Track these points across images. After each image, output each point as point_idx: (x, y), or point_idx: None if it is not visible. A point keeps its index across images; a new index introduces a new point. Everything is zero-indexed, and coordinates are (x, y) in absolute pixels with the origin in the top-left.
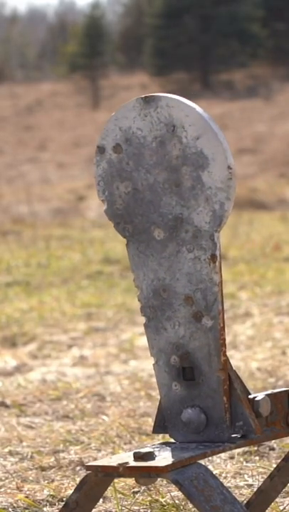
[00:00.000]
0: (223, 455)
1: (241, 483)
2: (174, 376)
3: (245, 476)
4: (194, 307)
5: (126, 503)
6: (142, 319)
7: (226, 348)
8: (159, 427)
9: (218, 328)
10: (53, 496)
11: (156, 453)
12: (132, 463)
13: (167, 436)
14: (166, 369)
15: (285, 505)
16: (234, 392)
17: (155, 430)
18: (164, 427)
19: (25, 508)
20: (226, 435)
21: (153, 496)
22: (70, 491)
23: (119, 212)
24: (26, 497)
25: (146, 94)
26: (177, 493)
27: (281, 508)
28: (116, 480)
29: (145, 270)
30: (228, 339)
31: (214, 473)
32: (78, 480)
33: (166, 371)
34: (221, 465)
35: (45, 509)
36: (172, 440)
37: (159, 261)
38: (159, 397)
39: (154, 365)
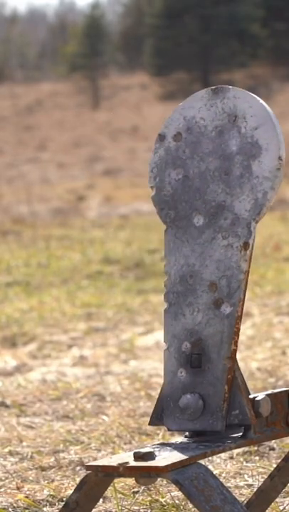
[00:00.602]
0: (223, 455)
1: (241, 483)
2: (182, 363)
3: (245, 476)
4: (217, 294)
5: (126, 503)
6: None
7: (238, 338)
8: (156, 419)
9: (236, 315)
10: (53, 496)
11: (156, 453)
12: (132, 463)
13: (167, 436)
14: (176, 355)
15: (285, 505)
16: (235, 381)
17: (152, 422)
18: (161, 418)
19: (25, 508)
20: (220, 424)
21: (153, 495)
22: (70, 491)
23: (166, 199)
24: (26, 497)
25: (216, 86)
26: (177, 493)
27: (281, 508)
28: (116, 480)
29: (177, 256)
30: None
31: (214, 473)
32: (78, 480)
33: (176, 357)
34: (221, 465)
35: (45, 509)
36: (171, 439)
37: (193, 247)
38: (159, 394)
39: (165, 351)
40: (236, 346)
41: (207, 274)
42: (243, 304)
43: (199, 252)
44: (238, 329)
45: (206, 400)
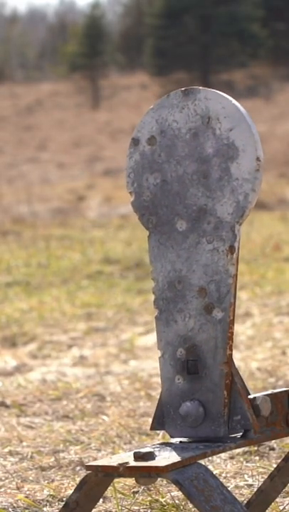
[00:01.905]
0: (223, 455)
1: (241, 483)
2: (178, 369)
3: (245, 476)
4: (207, 299)
5: (126, 503)
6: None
7: (232, 342)
8: (158, 424)
9: (228, 320)
10: (53, 496)
11: (157, 453)
12: (132, 463)
13: (167, 436)
14: (172, 362)
15: (285, 505)
16: (234, 387)
17: (153, 427)
18: (162, 423)
19: (25, 508)
20: (222, 430)
21: (153, 495)
22: (70, 491)
23: (146, 204)
24: (26, 497)
25: (186, 87)
26: (177, 493)
27: (281, 508)
28: (116, 480)
29: (163, 262)
30: None
31: (214, 473)
32: (78, 480)
33: (171, 364)
34: (221, 465)
35: (45, 509)
36: (171, 439)
37: (178, 252)
38: (158, 397)
39: (160, 358)
40: (231, 350)
41: (195, 280)
42: (234, 308)
43: (185, 257)
44: (232, 333)
45: (206, 406)
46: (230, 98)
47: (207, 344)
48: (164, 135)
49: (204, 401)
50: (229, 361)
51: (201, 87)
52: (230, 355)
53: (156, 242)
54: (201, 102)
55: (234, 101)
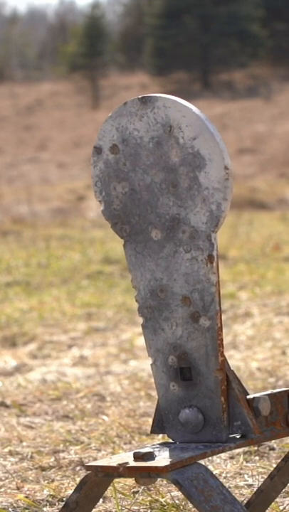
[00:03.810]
0: (223, 455)
1: (241, 483)
2: (171, 376)
3: (245, 476)
4: (192, 308)
5: (126, 503)
6: (140, 319)
7: (223, 348)
8: (157, 427)
9: (216, 328)
10: (53, 496)
11: (156, 453)
12: (132, 463)
13: (167, 435)
14: (164, 369)
15: (285, 505)
16: (232, 392)
17: (153, 430)
18: (162, 427)
19: (25, 508)
20: (224, 435)
21: (153, 495)
22: (70, 491)
23: (117, 213)
24: (26, 497)
25: (143, 95)
26: (177, 493)
27: (281, 508)
28: (116, 480)
29: (142, 271)
30: (228, 339)
31: (214, 473)
32: (78, 480)
33: (164, 371)
34: (221, 465)
35: (45, 509)
36: (171, 440)
37: (157, 261)
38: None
39: (151, 365)
40: (224, 356)
41: (177, 288)
42: (220, 315)
43: (164, 266)
44: (222, 340)
45: (204, 412)
46: (190, 106)
47: (198, 352)
48: (127, 144)
49: (202, 407)
50: (223, 367)
51: (158, 94)
52: (223, 361)
53: (133, 250)
54: (160, 110)
55: (194, 109)
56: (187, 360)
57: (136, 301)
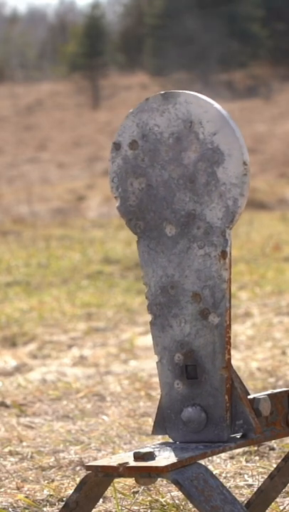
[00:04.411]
0: (223, 455)
1: (241, 483)
2: (177, 374)
3: (245, 476)
4: (202, 304)
5: (126, 503)
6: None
7: (230, 346)
8: (159, 428)
9: (225, 325)
10: (53, 496)
11: (156, 453)
12: (132, 463)
13: (167, 436)
14: (170, 367)
15: (285, 505)
16: (235, 391)
17: (155, 431)
18: (164, 427)
19: (25, 508)
20: (226, 434)
21: (153, 495)
22: (70, 491)
23: (132, 209)
24: (26, 497)
25: (165, 91)
26: (177, 493)
27: (281, 508)
28: (116, 480)
29: (154, 267)
30: None
31: (214, 473)
32: (78, 480)
33: (170, 369)
34: (221, 465)
35: (45, 509)
36: (172, 440)
37: (169, 257)
38: (159, 397)
39: (157, 363)
40: (230, 355)
41: (188, 285)
42: (230, 313)
43: (177, 263)
44: (229, 338)
45: (207, 411)
46: (211, 101)
47: (205, 349)
48: (146, 139)
49: (205, 406)
50: (228, 366)
51: (180, 91)
52: (229, 359)
53: (146, 247)
54: (181, 105)
55: (216, 104)
56: (193, 358)
57: (146, 298)
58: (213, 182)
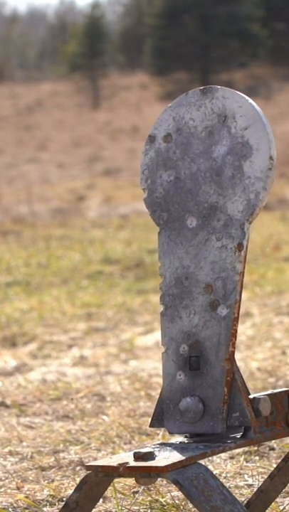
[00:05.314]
0: (223, 455)
1: (241, 483)
2: (180, 365)
3: (245, 476)
4: (212, 295)
5: (126, 503)
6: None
7: (236, 339)
8: (156, 422)
9: (232, 317)
10: (53, 496)
11: (156, 453)
12: (132, 463)
13: (167, 436)
14: (174, 358)
15: (285, 505)
16: (234, 384)
17: (152, 424)
18: (161, 421)
19: (25, 508)
20: (220, 427)
21: (153, 495)
22: (70, 491)
23: (158, 201)
24: (26, 497)
25: (205, 86)
26: (177, 493)
27: (281, 508)
28: (116, 480)
29: (171, 258)
30: None
31: (214, 473)
32: (78, 480)
33: (174, 360)
34: (221, 465)
35: (45, 509)
36: (170, 437)
37: (187, 249)
38: (158, 396)
39: (163, 354)
40: (234, 348)
41: (202, 276)
42: (239, 306)
43: (194, 254)
44: (236, 331)
45: (205, 402)
46: (246, 97)
47: (210, 341)
48: (180, 133)
49: (204, 397)
50: (231, 358)
51: (219, 86)
52: (233, 352)
53: (166, 238)
54: (218, 100)
55: (250, 100)
56: (198, 349)
57: (160, 288)
58: (239, 175)
